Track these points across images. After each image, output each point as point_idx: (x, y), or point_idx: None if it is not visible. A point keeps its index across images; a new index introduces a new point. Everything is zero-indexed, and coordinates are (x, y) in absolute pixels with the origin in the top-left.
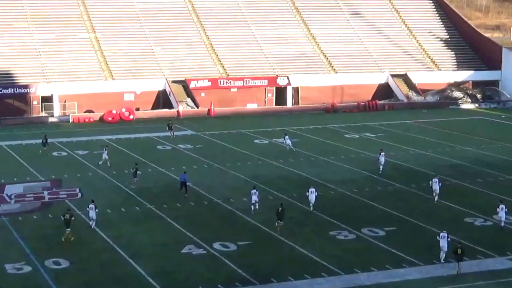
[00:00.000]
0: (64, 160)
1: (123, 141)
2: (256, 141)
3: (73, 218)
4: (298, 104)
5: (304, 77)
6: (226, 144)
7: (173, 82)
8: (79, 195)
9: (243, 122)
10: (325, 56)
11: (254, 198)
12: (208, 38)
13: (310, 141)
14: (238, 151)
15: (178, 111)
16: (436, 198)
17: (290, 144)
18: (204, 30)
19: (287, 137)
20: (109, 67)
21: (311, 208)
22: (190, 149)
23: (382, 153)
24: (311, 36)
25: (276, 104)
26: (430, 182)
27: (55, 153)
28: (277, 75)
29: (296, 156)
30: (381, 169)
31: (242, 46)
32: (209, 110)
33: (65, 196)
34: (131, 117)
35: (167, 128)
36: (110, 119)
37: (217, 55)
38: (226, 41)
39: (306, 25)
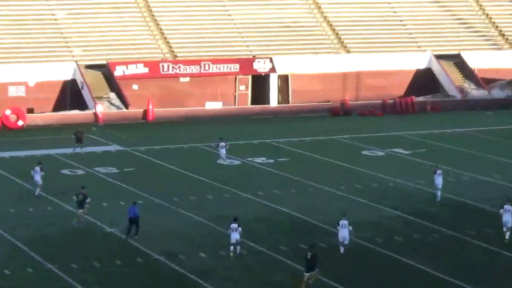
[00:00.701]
0: None
1: (7, 162)
2: (220, 161)
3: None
4: (288, 103)
5: (296, 59)
6: (172, 167)
7: (88, 67)
8: None
9: (200, 131)
10: (331, 26)
11: (235, 236)
12: None
13: (307, 161)
14: (192, 177)
15: (96, 114)
16: (508, 235)
17: (224, 155)
18: None
19: (222, 143)
20: None
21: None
22: (114, 175)
23: (437, 171)
24: None
25: (252, 103)
26: (501, 211)
27: None
28: (254, 57)
29: (284, 186)
30: (438, 196)
31: (197, 11)
32: (145, 112)
33: None
34: (20, 123)
35: (74, 140)
36: None
37: (158, 26)
38: (172, 4)
39: None
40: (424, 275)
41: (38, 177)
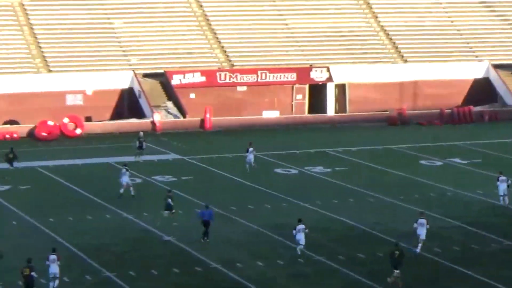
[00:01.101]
0: None
1: (65, 170)
2: (277, 170)
3: None
4: (345, 112)
5: (353, 68)
6: (230, 175)
7: (145, 76)
8: None
9: (257, 140)
10: (388, 36)
11: (300, 237)
12: (202, 7)
13: (365, 170)
14: (249, 186)
15: (153, 122)
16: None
17: (252, 161)
18: None
19: (251, 149)
20: (42, 52)
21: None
22: (172, 183)
23: (501, 177)
24: (366, 4)
25: (309, 112)
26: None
27: None
28: (311, 66)
29: (342, 195)
30: (505, 201)
31: (255, 20)
32: (202, 120)
33: None
34: (78, 131)
35: (137, 145)
36: (44, 134)
37: (215, 35)
38: (229, 13)
39: None
40: (483, 286)
41: (126, 179)
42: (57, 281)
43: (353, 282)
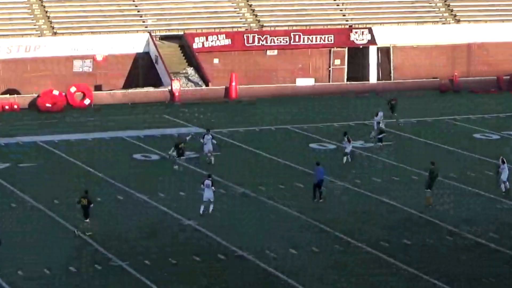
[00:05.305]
0: None
1: (72, 146)
2: (312, 145)
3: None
4: (390, 79)
5: (399, 30)
6: (258, 151)
7: (162, 38)
8: None
9: (289, 111)
10: None
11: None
12: None
13: (412, 145)
14: (280, 162)
15: (171, 91)
16: None
17: (348, 152)
18: None
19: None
20: (46, 12)
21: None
22: (193, 161)
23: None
24: None
25: (349, 79)
26: None
27: None
28: (350, 27)
29: (385, 173)
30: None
31: None
32: (227, 89)
33: None
34: (87, 101)
35: (174, 152)
36: (49, 105)
37: None
38: None
39: None
40: None
41: (209, 146)
42: (211, 206)
43: (398, 270)
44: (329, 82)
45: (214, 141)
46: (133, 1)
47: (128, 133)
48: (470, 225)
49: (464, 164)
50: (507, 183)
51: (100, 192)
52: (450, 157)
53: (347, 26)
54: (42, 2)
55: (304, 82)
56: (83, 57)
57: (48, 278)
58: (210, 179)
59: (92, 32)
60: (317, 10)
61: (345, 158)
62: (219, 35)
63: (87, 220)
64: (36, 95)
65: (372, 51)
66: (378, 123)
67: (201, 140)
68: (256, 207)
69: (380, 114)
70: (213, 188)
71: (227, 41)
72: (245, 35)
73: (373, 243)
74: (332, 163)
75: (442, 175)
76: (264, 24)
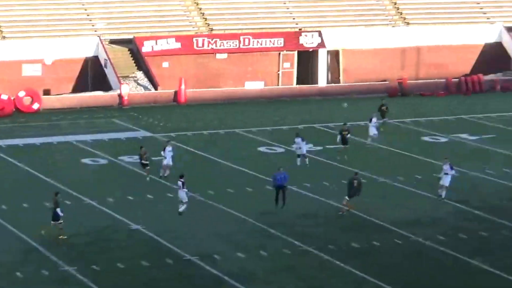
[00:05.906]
0: None
1: (20, 151)
2: (261, 149)
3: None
4: (339, 82)
5: (348, 32)
6: (207, 155)
7: (112, 42)
8: None
9: (239, 114)
10: None
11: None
12: None
13: (360, 148)
14: (229, 166)
15: (121, 95)
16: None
17: (304, 152)
18: None
19: (299, 139)
20: None
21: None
22: (140, 165)
23: (444, 167)
24: None
25: (298, 82)
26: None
27: None
28: (300, 30)
29: (335, 176)
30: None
31: None
32: (176, 93)
33: None
34: (36, 106)
35: (139, 159)
36: None
37: None
38: None
39: None
40: (490, 276)
41: (169, 161)
42: (183, 206)
43: (345, 275)
44: (278, 85)
45: (172, 153)
46: (83, 5)
47: (77, 138)
48: (417, 228)
49: (412, 167)
50: (445, 192)
51: (48, 197)
52: (398, 159)
53: (297, 30)
54: None
55: (253, 86)
56: (32, 61)
57: None
58: (182, 179)
59: (41, 36)
60: (267, 14)
61: (299, 160)
62: (168, 39)
63: (54, 222)
64: None
65: (322, 54)
66: (377, 128)
67: (162, 153)
68: (204, 211)
69: (374, 119)
70: (185, 189)
71: (177, 45)
72: (194, 39)
73: (321, 247)
74: (284, 165)
75: (390, 178)
76: (214, 28)
